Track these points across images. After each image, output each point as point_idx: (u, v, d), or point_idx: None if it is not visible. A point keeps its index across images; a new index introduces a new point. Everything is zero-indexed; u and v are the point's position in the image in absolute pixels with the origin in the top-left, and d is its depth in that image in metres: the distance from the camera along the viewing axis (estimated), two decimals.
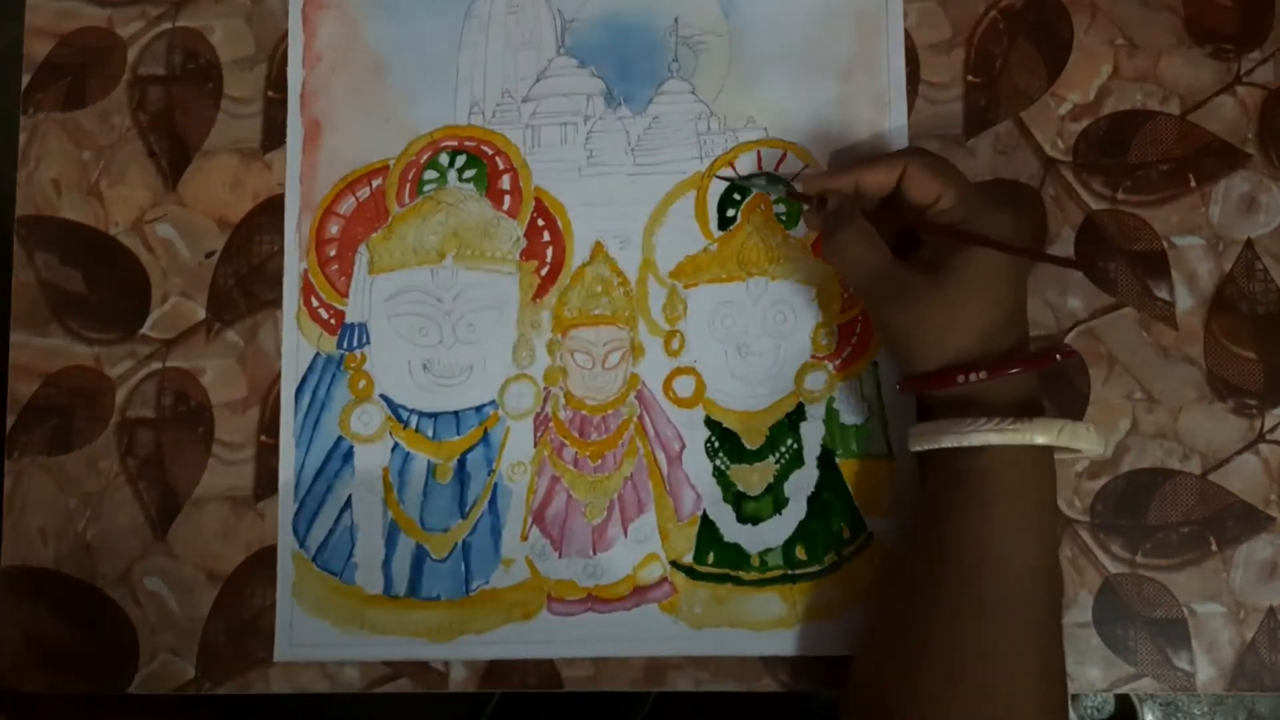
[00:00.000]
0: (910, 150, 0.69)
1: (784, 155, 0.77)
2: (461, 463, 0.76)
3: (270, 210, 0.79)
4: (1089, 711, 1.60)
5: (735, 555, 0.74)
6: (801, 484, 0.75)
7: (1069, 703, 0.65)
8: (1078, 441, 0.63)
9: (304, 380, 0.77)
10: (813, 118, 0.77)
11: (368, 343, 0.77)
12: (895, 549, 0.74)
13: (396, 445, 0.76)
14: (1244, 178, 0.76)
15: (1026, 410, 0.64)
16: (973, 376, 0.63)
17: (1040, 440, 0.62)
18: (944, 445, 0.64)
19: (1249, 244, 0.75)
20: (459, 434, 0.76)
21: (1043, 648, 0.63)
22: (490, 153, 0.78)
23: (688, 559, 0.74)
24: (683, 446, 0.75)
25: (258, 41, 0.80)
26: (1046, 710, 0.62)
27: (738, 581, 0.74)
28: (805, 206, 0.73)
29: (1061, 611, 0.66)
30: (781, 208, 0.76)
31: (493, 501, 0.75)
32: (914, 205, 0.68)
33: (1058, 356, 0.65)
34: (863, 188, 0.70)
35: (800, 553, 0.74)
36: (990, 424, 0.62)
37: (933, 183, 0.67)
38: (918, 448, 0.67)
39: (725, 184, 0.77)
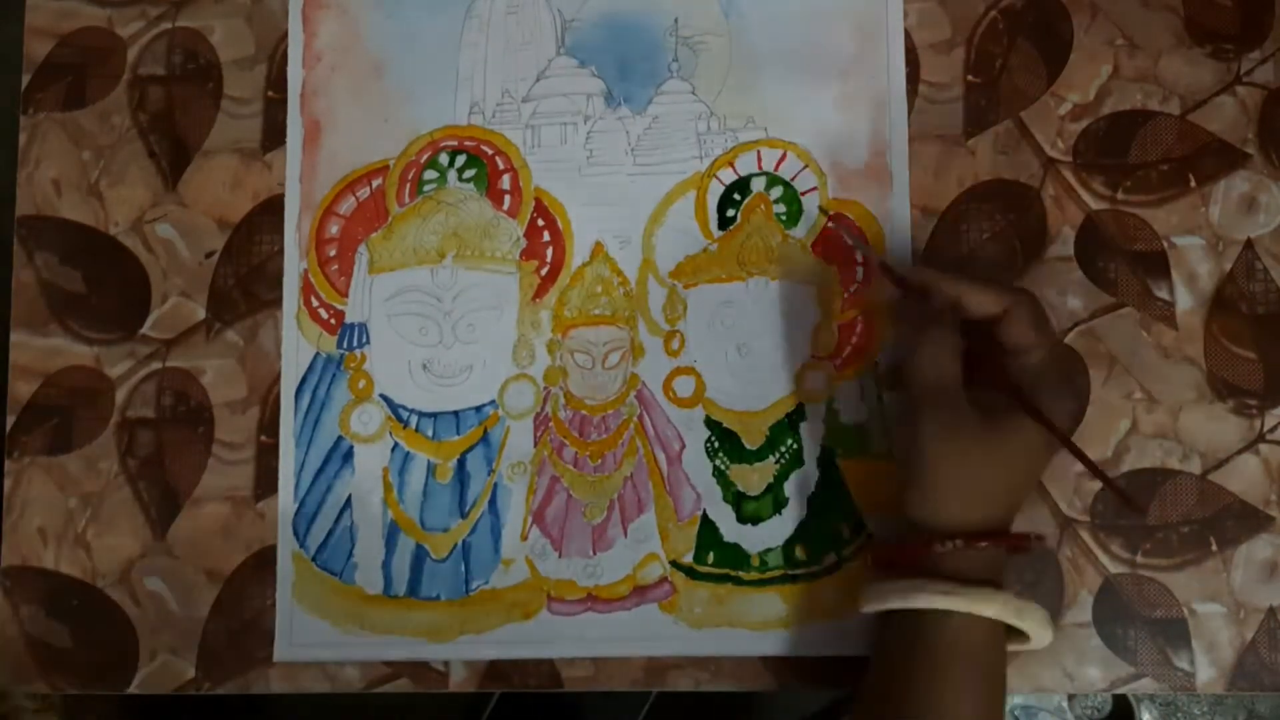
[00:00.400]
0: (1022, 291, 0.67)
1: (784, 155, 0.77)
2: (461, 463, 0.76)
3: (270, 210, 0.79)
4: (1086, 711, 1.59)
5: (735, 555, 0.74)
6: (801, 484, 0.75)
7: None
8: (1025, 622, 0.63)
9: (304, 380, 0.77)
10: (813, 118, 0.77)
11: (368, 342, 0.77)
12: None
13: (396, 445, 0.76)
14: (1244, 178, 0.76)
15: (989, 583, 0.64)
16: (947, 545, 0.63)
17: (989, 612, 0.62)
18: (893, 606, 0.64)
19: (1249, 244, 0.75)
20: (459, 434, 0.76)
21: None
22: (490, 153, 0.78)
23: (688, 559, 0.74)
24: (682, 446, 0.75)
25: (258, 41, 0.80)
26: None
27: (737, 581, 0.74)
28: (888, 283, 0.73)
29: None
30: (781, 208, 0.76)
31: (492, 501, 0.75)
32: (1002, 342, 0.67)
33: (1032, 539, 0.65)
34: (963, 304, 0.67)
35: (800, 553, 0.74)
36: (944, 587, 0.62)
37: (1030, 334, 0.66)
38: (872, 608, 0.66)
39: (725, 185, 0.77)
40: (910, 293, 0.70)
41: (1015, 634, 0.65)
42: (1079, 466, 0.74)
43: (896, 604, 0.64)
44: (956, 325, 0.67)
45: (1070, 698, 1.54)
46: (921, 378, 0.66)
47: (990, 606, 0.62)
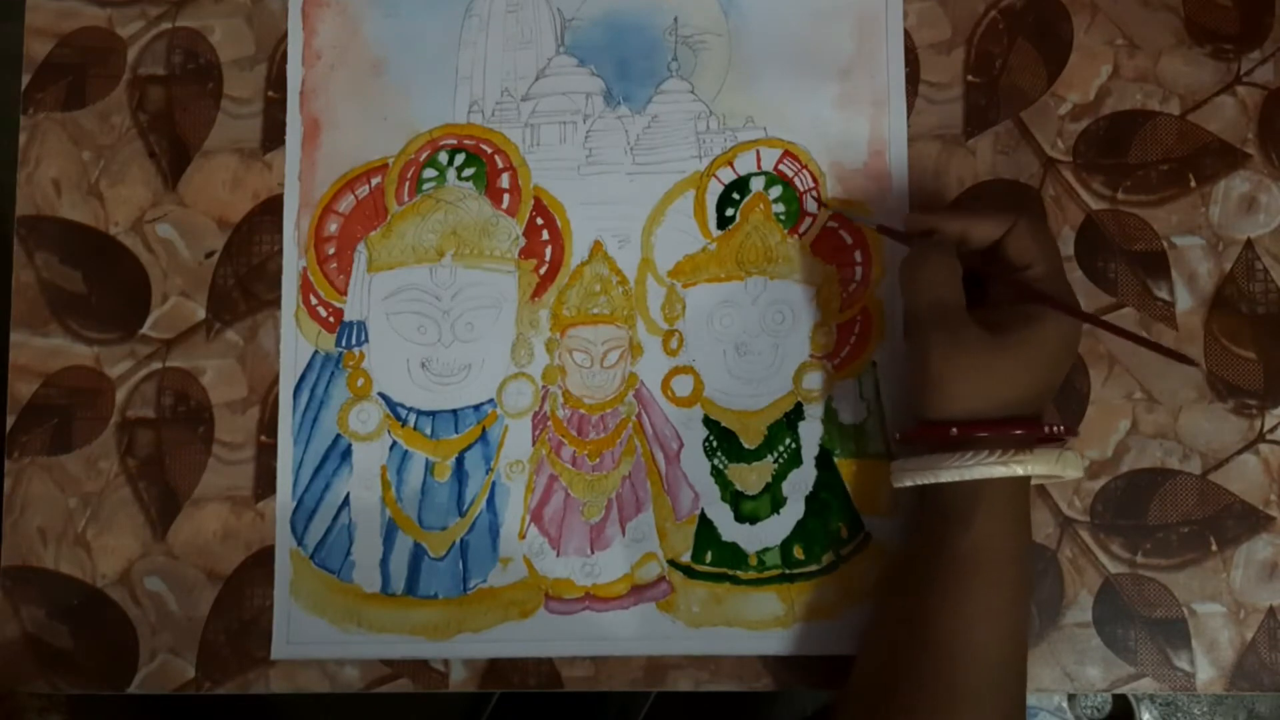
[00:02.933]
0: (1020, 209, 0.68)
1: (783, 155, 0.77)
2: (460, 461, 0.76)
3: (270, 210, 0.79)
4: (1086, 711, 1.59)
5: (733, 554, 0.74)
6: (799, 483, 0.75)
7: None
8: (1068, 470, 0.64)
9: (302, 378, 0.77)
10: (812, 117, 0.77)
11: (366, 341, 0.77)
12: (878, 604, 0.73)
13: (395, 443, 0.76)
14: (1244, 178, 0.76)
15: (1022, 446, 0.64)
16: (956, 431, 0.64)
17: (1040, 470, 0.63)
18: (941, 480, 0.64)
19: (1249, 244, 0.75)
20: (457, 432, 0.76)
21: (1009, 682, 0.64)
22: (489, 151, 0.78)
23: (686, 558, 0.74)
24: (681, 445, 0.75)
25: (258, 41, 0.80)
26: None
27: (735, 581, 0.74)
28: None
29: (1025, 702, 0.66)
30: (780, 207, 0.76)
31: (491, 500, 0.75)
32: (1005, 262, 0.68)
33: (1058, 429, 0.66)
34: (967, 236, 0.69)
35: (798, 552, 0.74)
36: (991, 456, 0.62)
37: (1034, 249, 0.67)
38: (908, 482, 0.66)
39: (724, 184, 0.77)
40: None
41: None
42: None
43: (943, 476, 0.64)
44: (952, 248, 0.68)
45: (1070, 698, 1.54)
46: (921, 299, 0.66)
47: (1032, 465, 0.63)
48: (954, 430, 0.64)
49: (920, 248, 0.68)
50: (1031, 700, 1.60)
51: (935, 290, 0.66)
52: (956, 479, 0.63)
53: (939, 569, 0.64)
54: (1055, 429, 0.66)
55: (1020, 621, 0.64)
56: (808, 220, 0.76)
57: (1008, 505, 0.64)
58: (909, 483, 0.66)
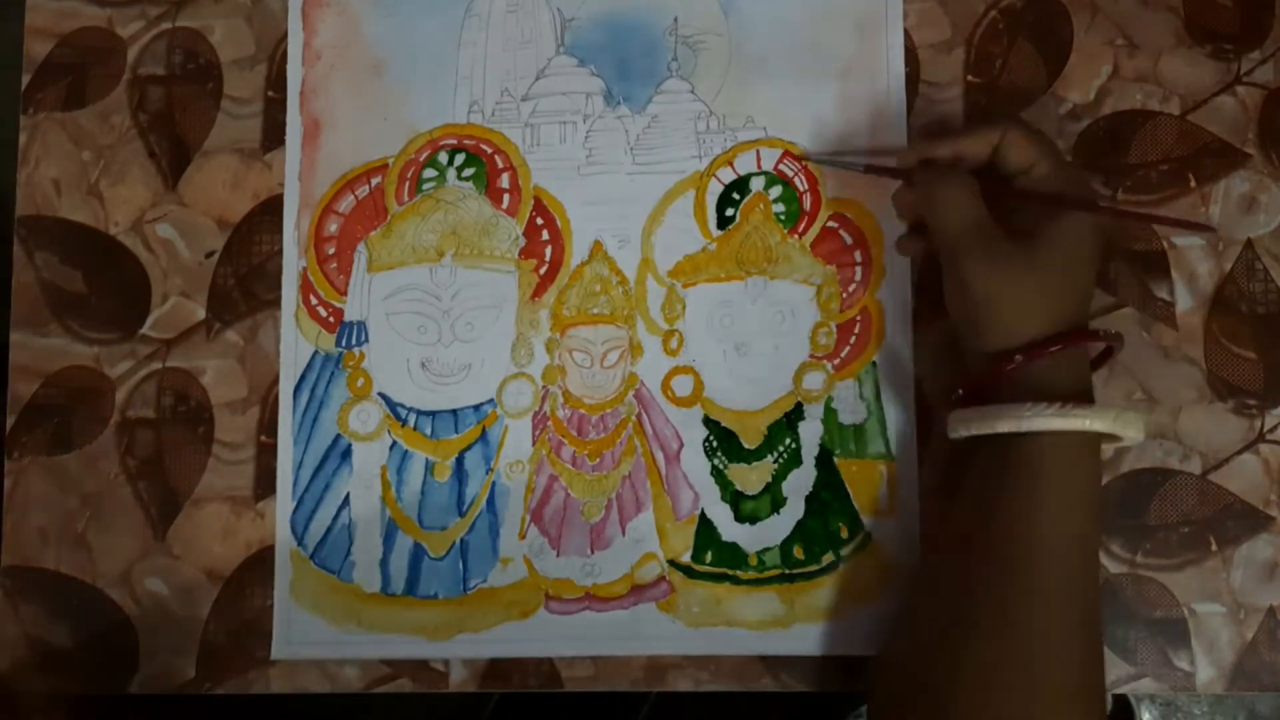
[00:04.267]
0: (1006, 117, 0.68)
1: (783, 155, 0.77)
2: (460, 461, 0.76)
3: (270, 210, 0.79)
4: None
5: (733, 554, 0.74)
6: (799, 484, 0.75)
7: (1105, 691, 0.65)
8: (1129, 429, 0.62)
9: (302, 378, 0.77)
10: (812, 117, 0.77)
11: (366, 341, 0.77)
12: (929, 534, 0.73)
13: (395, 443, 0.76)
14: (1244, 178, 0.76)
15: (1080, 396, 0.63)
16: (1052, 349, 0.63)
17: (1098, 426, 0.61)
18: (1000, 430, 0.63)
19: (1249, 244, 0.75)
20: (457, 432, 0.76)
21: (1088, 635, 0.62)
22: (489, 151, 0.78)
23: (685, 558, 0.74)
24: (681, 445, 0.75)
25: (258, 41, 0.80)
26: (1089, 696, 0.62)
27: (735, 581, 0.74)
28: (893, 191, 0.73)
29: (1100, 600, 0.65)
30: (780, 207, 0.76)
31: (491, 500, 0.75)
32: (1007, 172, 0.68)
33: (1102, 334, 0.66)
34: (962, 156, 0.69)
35: (798, 552, 0.74)
36: (1050, 409, 0.61)
37: (1030, 149, 0.66)
38: (968, 433, 0.65)
39: (724, 184, 0.77)
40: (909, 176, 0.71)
41: (1108, 436, 0.64)
42: None
43: (1008, 427, 0.62)
44: (964, 171, 0.67)
45: None
46: (951, 226, 0.66)
47: (1102, 420, 0.62)
48: (1018, 358, 0.63)
49: (930, 174, 0.68)
50: None
51: (960, 212, 0.66)
52: (1013, 429, 0.62)
53: (1006, 480, 0.63)
54: (1107, 333, 0.66)
55: (1091, 526, 0.63)
56: (807, 220, 0.76)
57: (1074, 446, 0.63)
58: (967, 433, 0.65)
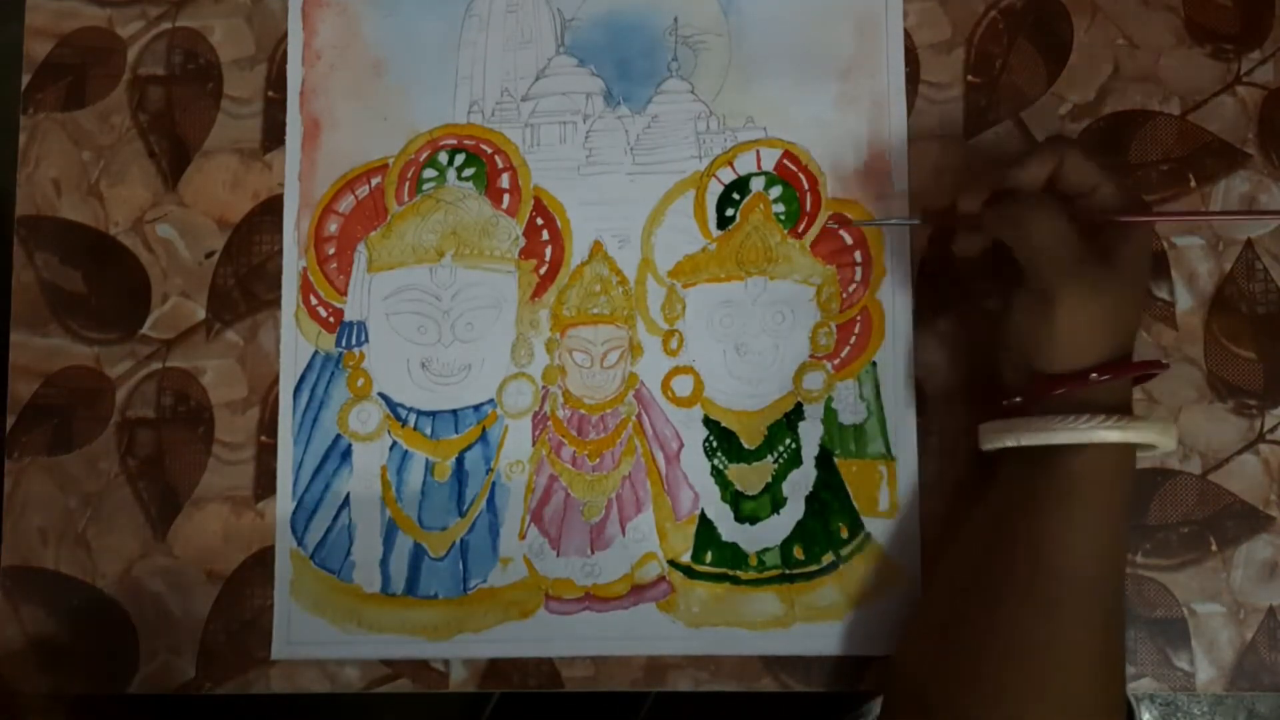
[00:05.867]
0: (1058, 139, 0.67)
1: (783, 155, 0.77)
2: (460, 461, 0.76)
3: (270, 210, 0.79)
4: None
5: (733, 555, 0.74)
6: (799, 484, 0.75)
7: (1127, 703, 0.65)
8: (1167, 439, 0.63)
9: (302, 378, 0.77)
10: (812, 118, 0.77)
11: (366, 341, 0.77)
12: (943, 540, 0.73)
13: (395, 444, 0.76)
14: (1244, 178, 0.76)
15: (1123, 409, 0.64)
16: (1093, 376, 0.63)
17: (1149, 438, 0.62)
18: (1054, 443, 0.62)
19: (1249, 244, 0.75)
20: (457, 433, 0.76)
21: (1109, 649, 0.63)
22: (489, 151, 0.78)
23: (686, 558, 0.74)
24: (681, 445, 0.75)
25: (258, 42, 0.80)
26: (1110, 710, 0.62)
27: (735, 581, 0.74)
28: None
29: (1125, 611, 0.65)
30: (780, 207, 0.76)
31: (491, 500, 0.75)
32: (1071, 193, 0.66)
33: (1157, 364, 0.66)
34: (1019, 184, 0.66)
35: (798, 553, 0.74)
36: (1108, 421, 0.61)
37: (1093, 169, 0.65)
38: (1015, 443, 0.64)
39: (724, 184, 0.77)
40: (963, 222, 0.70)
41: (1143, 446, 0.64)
42: None
43: (1058, 439, 0.62)
44: (1045, 194, 0.66)
45: None
46: (1045, 247, 0.63)
47: (1136, 432, 0.62)
48: (1094, 375, 0.62)
49: (1016, 200, 0.65)
50: None
51: (1056, 235, 0.63)
52: (1070, 441, 0.62)
53: (1038, 494, 0.63)
54: (1162, 362, 0.67)
55: (1121, 540, 0.64)
56: (807, 220, 0.76)
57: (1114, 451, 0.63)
58: (1014, 443, 0.64)
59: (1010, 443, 0.65)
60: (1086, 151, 0.66)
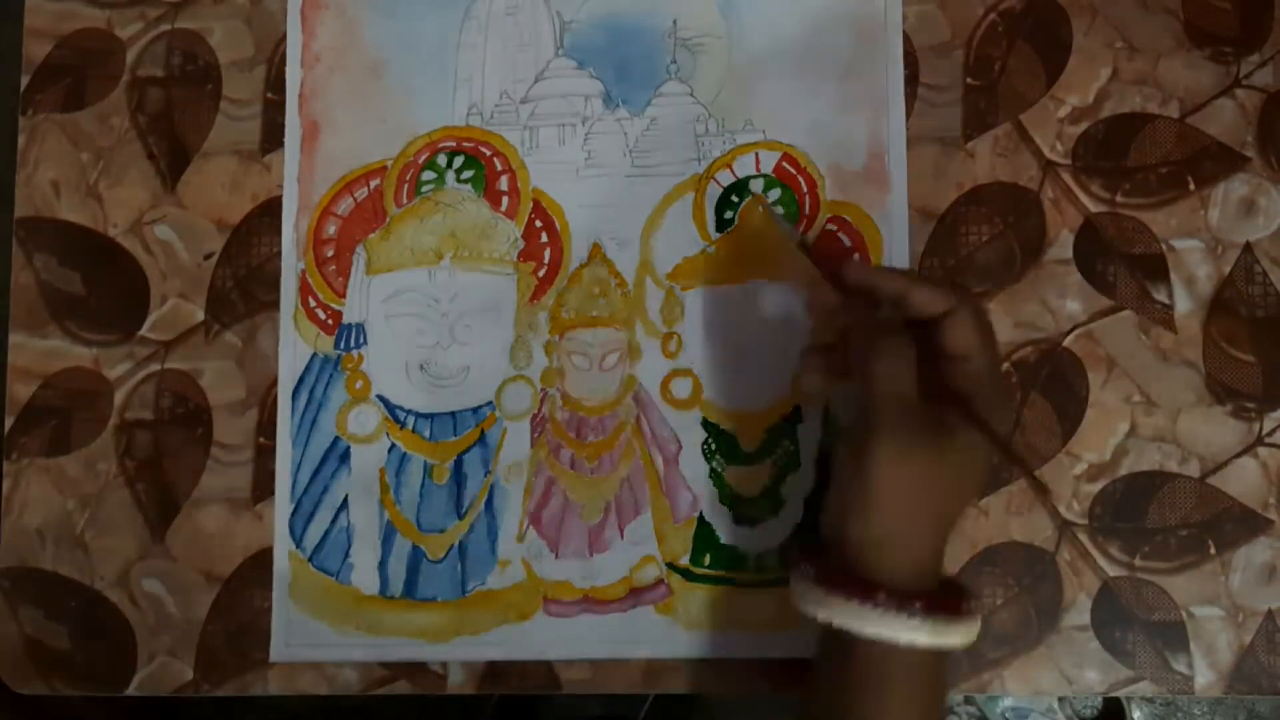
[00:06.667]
0: (966, 293, 0.65)
1: (782, 157, 0.77)
2: (458, 464, 0.76)
3: (269, 212, 0.79)
4: (1077, 709, 1.60)
5: (732, 557, 0.74)
6: (798, 486, 0.74)
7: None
8: (966, 641, 0.61)
9: (301, 380, 0.77)
10: (811, 120, 0.77)
11: (365, 343, 0.77)
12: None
13: (393, 446, 0.76)
14: (1243, 181, 0.76)
15: (926, 598, 0.60)
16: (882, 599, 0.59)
17: (958, 641, 0.60)
18: (866, 634, 0.60)
19: (1248, 247, 0.75)
20: (456, 435, 0.76)
21: None
22: (488, 154, 0.78)
23: (684, 561, 0.74)
24: (679, 448, 0.75)
25: (257, 43, 0.80)
26: None
27: (734, 584, 0.74)
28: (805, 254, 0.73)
29: None
30: (780, 209, 0.76)
31: (489, 502, 0.75)
32: (942, 348, 0.64)
33: (965, 606, 0.62)
34: (906, 303, 0.65)
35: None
36: (914, 619, 0.59)
37: (973, 339, 0.63)
38: (821, 617, 0.62)
39: (722, 187, 0.76)
40: (850, 291, 0.68)
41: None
42: (1077, 469, 0.74)
43: (867, 632, 0.60)
44: (905, 331, 0.64)
45: (1060, 697, 1.54)
46: (879, 393, 0.62)
47: (956, 637, 0.60)
48: (882, 595, 0.59)
49: (877, 327, 0.64)
50: (1022, 701, 1.60)
51: (893, 385, 0.62)
52: (863, 632, 0.60)
53: (847, 681, 0.61)
54: (968, 604, 0.63)
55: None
56: (806, 223, 0.76)
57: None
58: (809, 614, 0.63)
59: (809, 612, 0.63)
60: (979, 316, 0.64)
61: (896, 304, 0.65)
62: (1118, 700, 1.58)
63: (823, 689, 0.64)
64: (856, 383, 0.63)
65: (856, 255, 0.76)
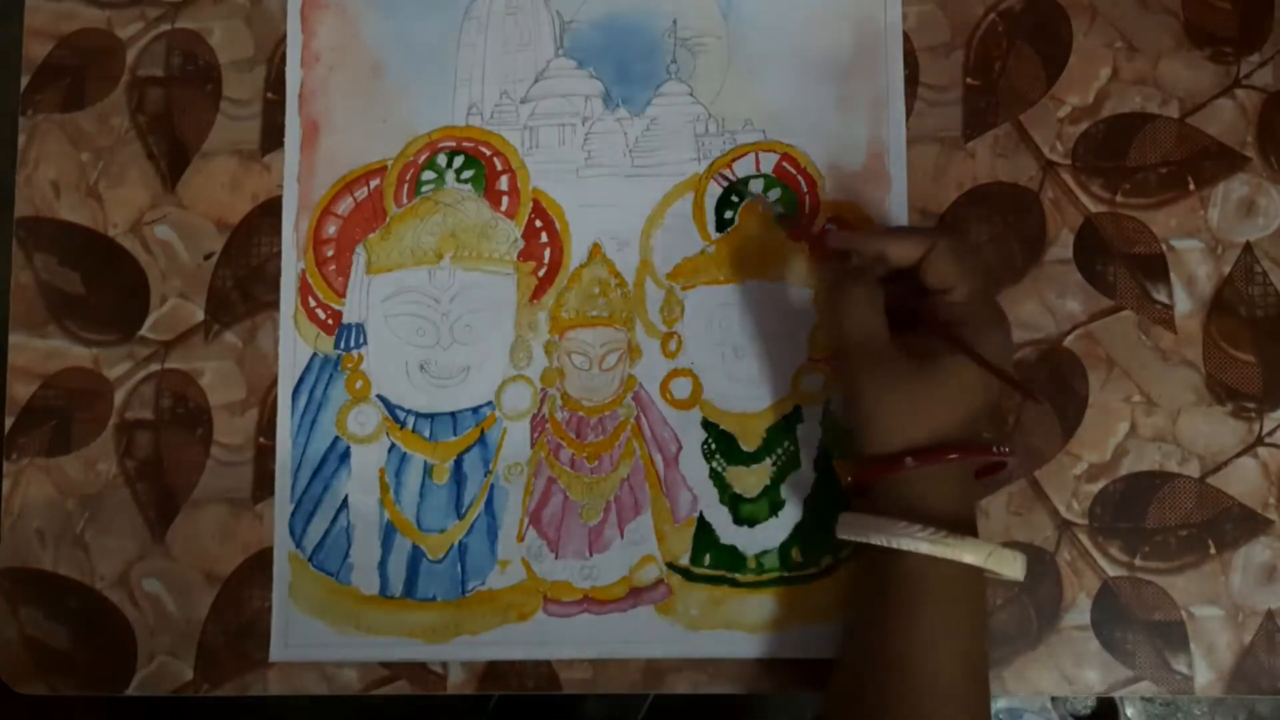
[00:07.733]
0: (943, 230, 0.68)
1: (782, 157, 0.77)
2: (458, 464, 0.76)
3: (269, 212, 0.79)
4: (1071, 708, 1.60)
5: (732, 557, 0.74)
6: (798, 486, 0.74)
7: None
8: (1004, 568, 0.62)
9: (301, 380, 0.77)
10: (811, 120, 0.77)
11: (365, 343, 0.77)
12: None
13: (393, 446, 0.76)
14: (1243, 181, 0.76)
15: (960, 525, 0.63)
16: (909, 461, 0.63)
17: (968, 559, 0.61)
18: (872, 542, 0.63)
19: (1248, 247, 0.75)
20: (456, 435, 0.76)
21: None
22: (488, 153, 0.78)
23: (684, 561, 0.74)
24: (679, 448, 0.75)
25: (257, 43, 0.80)
26: None
27: (734, 584, 0.74)
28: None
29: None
30: (779, 209, 0.76)
31: (489, 502, 0.75)
32: (927, 286, 0.67)
33: (996, 450, 0.65)
34: (887, 256, 0.68)
35: (796, 555, 0.74)
36: (923, 533, 0.61)
37: (952, 271, 0.66)
38: (845, 537, 0.66)
39: (723, 186, 0.76)
40: (829, 257, 0.72)
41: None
42: (1077, 469, 0.74)
43: (879, 541, 0.63)
44: (874, 278, 0.67)
45: (1053, 697, 1.54)
46: (846, 335, 0.66)
47: (973, 554, 0.61)
48: (909, 460, 0.63)
49: (840, 278, 0.68)
50: (1016, 701, 1.60)
51: (858, 321, 0.66)
52: (885, 545, 0.62)
53: (888, 592, 0.63)
54: (1000, 449, 0.65)
55: (976, 643, 0.63)
56: (807, 223, 0.76)
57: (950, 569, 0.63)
58: (850, 538, 0.66)
59: (846, 536, 0.66)
60: (958, 248, 0.66)
61: (880, 261, 0.68)
62: (1111, 699, 1.58)
63: (861, 616, 0.66)
64: (830, 331, 0.68)
65: (832, 225, 0.76)
